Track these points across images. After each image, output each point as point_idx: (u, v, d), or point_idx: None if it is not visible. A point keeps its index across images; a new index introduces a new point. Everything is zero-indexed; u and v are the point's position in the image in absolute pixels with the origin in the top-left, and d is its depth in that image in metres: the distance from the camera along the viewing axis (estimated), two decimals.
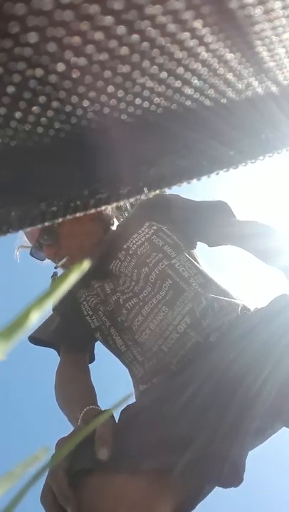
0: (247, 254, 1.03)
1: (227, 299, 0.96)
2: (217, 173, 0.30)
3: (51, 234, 1.04)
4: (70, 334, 1.11)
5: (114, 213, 1.12)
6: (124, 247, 1.02)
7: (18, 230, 0.28)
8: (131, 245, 1.02)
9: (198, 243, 1.11)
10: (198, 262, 1.02)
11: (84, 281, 1.07)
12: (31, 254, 1.10)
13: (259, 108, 0.29)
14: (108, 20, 0.19)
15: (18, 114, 0.22)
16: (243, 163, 0.30)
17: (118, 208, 1.20)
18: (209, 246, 1.11)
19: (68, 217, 0.28)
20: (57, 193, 0.28)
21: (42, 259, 1.09)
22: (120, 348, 1.01)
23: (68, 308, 1.09)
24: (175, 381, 0.84)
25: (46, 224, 0.29)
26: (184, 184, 0.30)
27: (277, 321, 0.84)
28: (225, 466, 0.69)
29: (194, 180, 0.30)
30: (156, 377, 0.90)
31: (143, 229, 1.04)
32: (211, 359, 0.84)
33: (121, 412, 0.82)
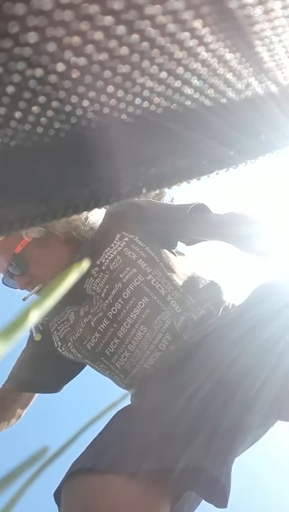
0: (227, 245, 1.00)
1: (206, 305, 0.93)
2: (217, 173, 0.30)
3: (20, 263, 0.97)
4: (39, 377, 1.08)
5: (90, 230, 1.04)
6: (98, 263, 0.95)
7: (18, 229, 0.28)
8: (103, 260, 0.95)
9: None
10: (174, 268, 0.97)
11: (59, 308, 1.02)
12: (3, 282, 1.05)
13: (259, 108, 0.29)
14: (108, 20, 0.19)
15: (18, 114, 0.22)
16: (243, 163, 0.30)
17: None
18: (187, 245, 1.08)
19: (68, 217, 0.28)
20: (57, 193, 0.28)
21: (16, 288, 1.03)
22: (104, 374, 0.99)
23: (42, 344, 1.05)
24: (173, 382, 0.83)
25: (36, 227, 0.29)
26: (184, 184, 0.30)
27: (275, 321, 0.83)
28: (216, 486, 0.68)
29: (194, 180, 0.30)
30: (147, 385, 0.88)
31: (115, 241, 0.97)
32: (209, 359, 0.84)
33: (118, 413, 0.82)
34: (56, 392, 1.13)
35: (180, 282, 0.95)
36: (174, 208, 1.05)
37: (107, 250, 0.96)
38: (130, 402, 0.91)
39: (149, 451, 0.69)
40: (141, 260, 0.93)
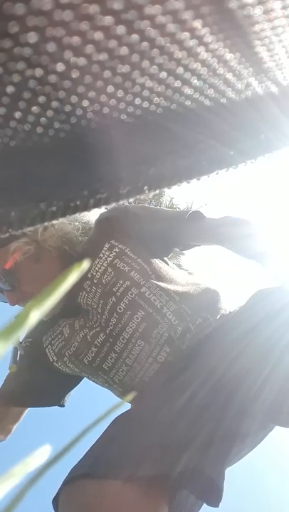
0: (224, 250, 0.98)
1: (202, 314, 0.91)
2: (217, 173, 0.30)
3: (11, 279, 0.94)
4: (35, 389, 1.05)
5: (83, 243, 1.01)
6: (89, 275, 0.92)
7: (18, 229, 0.28)
8: (94, 273, 0.92)
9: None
10: (167, 278, 0.94)
11: (52, 322, 0.99)
12: None
13: (259, 108, 0.29)
14: (108, 20, 0.19)
15: (17, 114, 0.22)
16: (243, 163, 0.30)
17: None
18: (181, 250, 1.06)
19: (68, 217, 0.28)
20: (57, 193, 0.28)
21: (7, 302, 0.98)
22: (103, 386, 0.97)
23: (33, 357, 1.02)
24: (171, 386, 0.83)
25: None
26: (184, 184, 0.30)
27: (275, 321, 0.83)
28: (213, 488, 0.68)
29: (194, 180, 0.30)
30: (146, 391, 0.86)
31: (103, 251, 0.94)
32: (207, 361, 0.83)
33: (116, 419, 0.81)
34: (57, 405, 1.10)
35: (175, 292, 0.92)
36: (170, 216, 1.02)
37: (96, 262, 0.93)
38: (130, 408, 0.90)
39: (146, 455, 0.68)
40: (134, 272, 0.91)
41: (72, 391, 1.12)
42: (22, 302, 0.96)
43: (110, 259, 0.92)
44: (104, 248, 0.94)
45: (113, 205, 0.29)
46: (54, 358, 0.98)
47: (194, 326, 0.89)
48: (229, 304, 0.99)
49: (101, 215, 1.02)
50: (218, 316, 0.93)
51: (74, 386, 1.12)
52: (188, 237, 1.02)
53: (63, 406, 1.11)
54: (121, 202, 0.29)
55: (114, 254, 0.93)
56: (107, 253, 0.93)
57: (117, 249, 0.93)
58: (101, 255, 0.93)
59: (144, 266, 0.93)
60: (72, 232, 0.99)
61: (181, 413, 0.74)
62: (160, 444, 0.70)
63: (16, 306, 1.01)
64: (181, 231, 0.99)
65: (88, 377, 0.99)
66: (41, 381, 1.06)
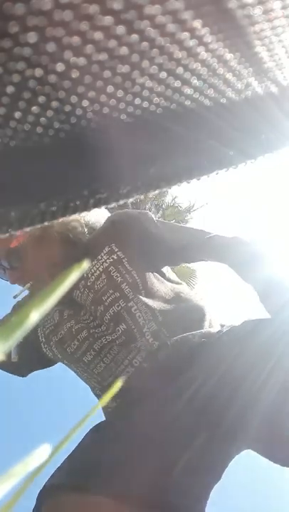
0: (226, 267, 0.99)
1: (180, 336, 0.92)
2: (217, 173, 0.30)
3: (14, 258, 0.96)
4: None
5: (89, 230, 1.04)
6: (84, 275, 0.96)
7: (18, 229, 0.28)
8: (90, 275, 0.95)
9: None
10: (157, 295, 0.96)
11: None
12: None
13: (259, 108, 0.29)
14: (108, 20, 0.19)
15: (17, 114, 0.22)
16: (243, 163, 0.30)
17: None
18: (186, 262, 1.09)
19: (68, 217, 0.28)
20: (56, 193, 0.28)
21: (7, 280, 1.01)
22: (82, 376, 0.99)
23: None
24: (163, 400, 0.83)
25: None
26: (184, 184, 0.30)
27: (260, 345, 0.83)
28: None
29: (194, 180, 0.30)
30: (133, 403, 0.87)
31: (102, 254, 0.96)
32: (203, 370, 0.84)
33: (100, 427, 0.82)
34: (22, 376, 1.13)
35: (160, 312, 0.94)
36: (189, 232, 1.04)
37: (94, 263, 0.96)
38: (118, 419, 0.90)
39: (139, 472, 0.69)
40: (125, 284, 0.93)
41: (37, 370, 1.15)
42: (22, 281, 0.99)
43: (106, 264, 0.95)
44: (104, 251, 0.96)
45: (125, 208, 0.29)
46: (43, 339, 1.01)
47: (170, 343, 0.91)
48: (216, 323, 1.00)
49: (113, 215, 1.05)
50: (201, 334, 0.94)
51: (43, 368, 1.14)
52: (196, 255, 1.04)
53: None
54: (121, 202, 0.29)
55: (111, 260, 0.95)
56: (105, 257, 0.96)
57: (115, 256, 0.96)
58: (99, 257, 0.96)
59: (136, 279, 0.95)
60: (77, 220, 1.02)
61: (177, 419, 0.75)
62: (153, 465, 0.71)
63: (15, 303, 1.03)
64: (193, 247, 1.00)
65: (68, 365, 1.01)
66: (26, 354, 1.07)
